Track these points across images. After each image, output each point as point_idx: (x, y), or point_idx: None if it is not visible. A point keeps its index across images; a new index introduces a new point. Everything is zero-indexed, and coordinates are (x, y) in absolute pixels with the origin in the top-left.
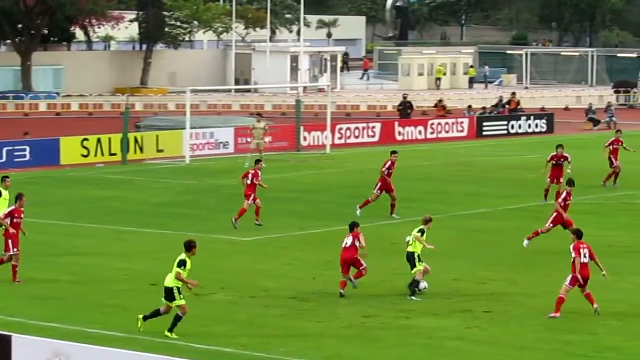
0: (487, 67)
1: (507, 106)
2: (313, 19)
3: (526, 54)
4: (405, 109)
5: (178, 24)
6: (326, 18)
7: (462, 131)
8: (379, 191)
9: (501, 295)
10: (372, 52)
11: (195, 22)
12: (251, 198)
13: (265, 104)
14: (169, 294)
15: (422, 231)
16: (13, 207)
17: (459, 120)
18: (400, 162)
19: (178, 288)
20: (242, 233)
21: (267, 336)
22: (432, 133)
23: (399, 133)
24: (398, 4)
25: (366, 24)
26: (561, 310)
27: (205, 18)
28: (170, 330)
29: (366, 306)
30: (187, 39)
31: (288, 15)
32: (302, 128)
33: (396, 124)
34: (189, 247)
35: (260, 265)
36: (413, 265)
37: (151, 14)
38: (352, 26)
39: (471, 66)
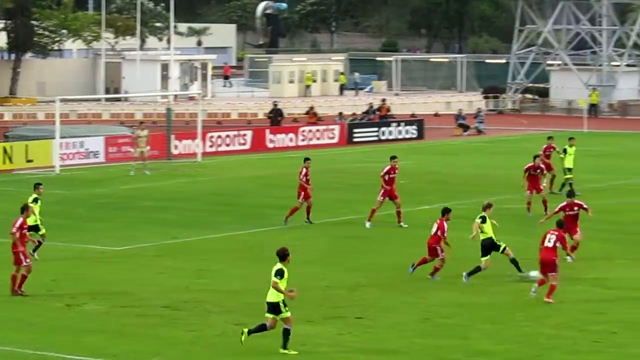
0: (357, 74)
1: (377, 113)
2: (183, 27)
3: (396, 61)
4: (275, 117)
5: (47, 33)
6: (196, 26)
7: (333, 138)
8: (382, 198)
9: (373, 302)
10: (243, 59)
11: (64, 31)
12: (302, 196)
13: (136, 113)
14: (275, 308)
15: (483, 218)
16: (21, 219)
17: (330, 127)
18: (271, 169)
19: (283, 301)
20: (113, 242)
21: (139, 346)
22: (303, 140)
23: (270, 141)
24: (268, 11)
25: (237, 32)
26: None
27: (74, 27)
28: (285, 347)
29: (239, 314)
30: (56, 48)
31: (158, 24)
32: (173, 136)
33: (267, 131)
34: (284, 255)
35: (132, 274)
36: (486, 253)
37: (19, 23)
38: (223, 34)
39: (342, 73)
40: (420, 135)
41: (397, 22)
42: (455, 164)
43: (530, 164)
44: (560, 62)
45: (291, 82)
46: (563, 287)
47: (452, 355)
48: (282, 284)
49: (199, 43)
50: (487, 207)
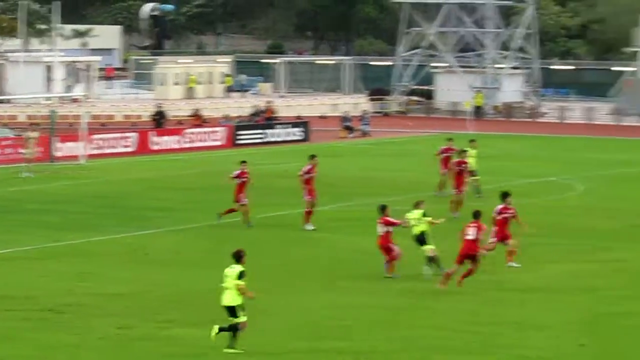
0: (243, 76)
1: (262, 115)
2: (68, 28)
3: (282, 63)
4: (159, 119)
5: None
6: (81, 27)
7: (218, 140)
8: (309, 197)
9: (258, 304)
10: (128, 61)
11: None
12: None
13: (19, 115)
14: (232, 311)
15: (424, 214)
16: None
17: (215, 129)
18: (156, 172)
19: (241, 305)
20: None
21: (24, 349)
22: (188, 142)
23: (155, 143)
24: (154, 13)
25: (122, 34)
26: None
27: None
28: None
29: (122, 317)
30: None
31: (42, 26)
32: (56, 138)
33: (152, 133)
34: (240, 257)
35: (15, 278)
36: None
37: None
38: (108, 36)
39: (228, 75)
40: (305, 138)
41: (284, 25)
42: (341, 166)
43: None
44: (445, 65)
45: (176, 84)
46: (450, 288)
47: (336, 356)
48: (244, 286)
49: (84, 45)
50: (419, 203)
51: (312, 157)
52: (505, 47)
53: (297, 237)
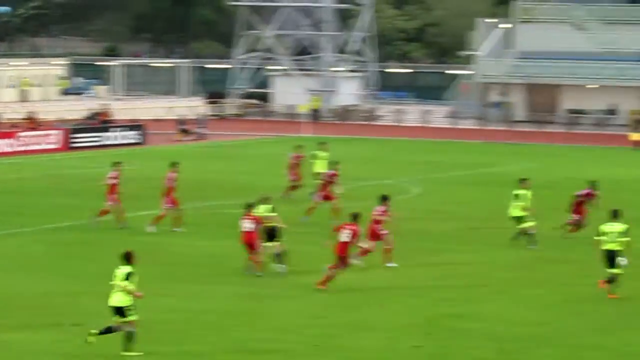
0: (79, 79)
1: (98, 118)
2: None
3: (117, 66)
4: None
5: None
6: None
7: (53, 143)
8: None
9: (91, 309)
10: None
11: None
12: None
13: None
14: (121, 311)
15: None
16: None
17: (50, 132)
18: None
19: (131, 304)
20: None
21: None
22: (22, 145)
23: None
24: None
25: None
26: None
27: None
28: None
29: None
30: None
31: None
32: None
33: None
34: (130, 257)
35: None
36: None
37: None
38: None
39: (63, 78)
40: (142, 141)
41: (120, 27)
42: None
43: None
44: (282, 68)
45: (10, 86)
46: (283, 291)
47: None
48: (132, 286)
49: None
50: (266, 199)
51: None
52: (342, 50)
53: (135, 241)
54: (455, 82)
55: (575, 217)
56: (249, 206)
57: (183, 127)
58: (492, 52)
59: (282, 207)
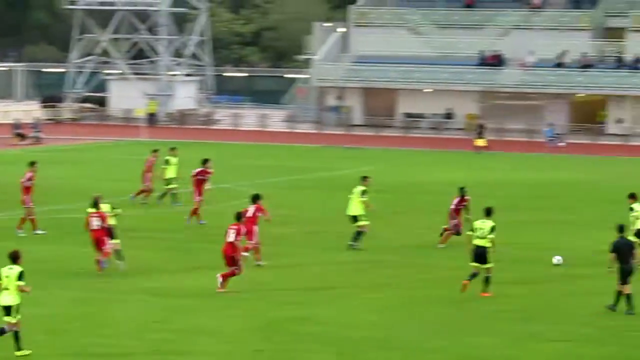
0: None
1: None
2: None
3: None
4: None
5: None
6: None
7: None
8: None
9: None
10: None
11: None
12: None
13: None
14: (9, 310)
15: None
16: None
17: None
18: None
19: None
20: None
21: None
22: None
23: None
24: None
25: None
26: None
27: None
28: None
29: None
30: None
31: None
32: None
33: None
34: (17, 257)
35: None
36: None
37: None
38: None
39: None
40: None
41: None
42: (14, 173)
43: (199, 169)
44: (118, 72)
45: None
46: (123, 295)
47: None
48: (24, 285)
49: None
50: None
51: (32, 163)
52: (178, 54)
53: None
54: (292, 86)
55: (452, 222)
56: (95, 204)
57: (19, 131)
58: (329, 56)
59: (132, 211)
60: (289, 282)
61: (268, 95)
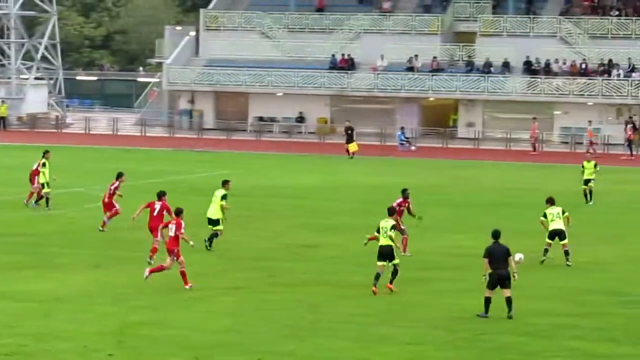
0: None
1: None
2: None
3: None
4: None
5: None
6: None
7: None
8: None
9: None
10: None
11: None
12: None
13: None
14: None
15: None
16: None
17: None
18: None
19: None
20: None
21: None
22: None
23: None
24: None
25: None
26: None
27: None
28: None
29: None
30: None
31: None
32: None
33: None
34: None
35: None
36: None
37: None
38: None
39: None
40: None
41: None
42: None
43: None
44: None
45: None
46: None
47: None
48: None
49: None
50: None
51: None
52: (29, 57)
53: None
54: (144, 90)
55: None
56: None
57: None
58: (180, 60)
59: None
60: (143, 286)
61: (120, 98)
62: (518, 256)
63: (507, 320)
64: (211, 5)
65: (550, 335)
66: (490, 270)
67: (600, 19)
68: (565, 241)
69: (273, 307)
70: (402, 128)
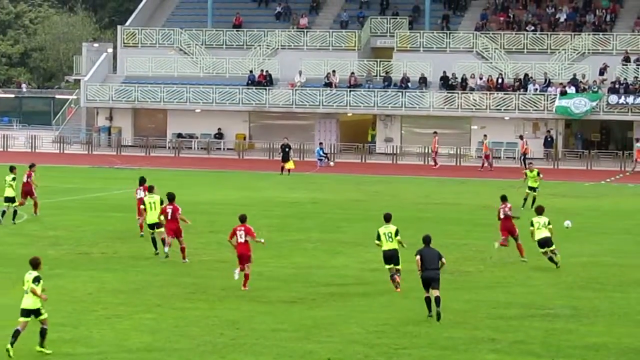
0: None
1: None
2: None
3: None
4: None
5: None
6: None
7: None
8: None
9: None
10: None
11: None
12: None
13: None
14: (35, 312)
15: None
16: None
17: None
18: None
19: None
20: None
21: None
22: None
23: None
24: None
25: None
26: None
27: None
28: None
29: None
30: None
31: None
32: None
33: None
34: (37, 264)
35: None
36: None
37: None
38: None
39: None
40: None
41: None
42: None
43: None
44: None
45: None
46: None
47: None
48: (39, 289)
49: None
50: None
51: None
52: None
53: None
54: (62, 107)
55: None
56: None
57: None
58: (98, 77)
59: None
60: (59, 304)
61: (37, 116)
62: (567, 223)
63: (426, 335)
64: (128, 22)
65: (469, 349)
66: (421, 272)
67: (516, 33)
68: (553, 247)
69: (192, 323)
70: (321, 144)
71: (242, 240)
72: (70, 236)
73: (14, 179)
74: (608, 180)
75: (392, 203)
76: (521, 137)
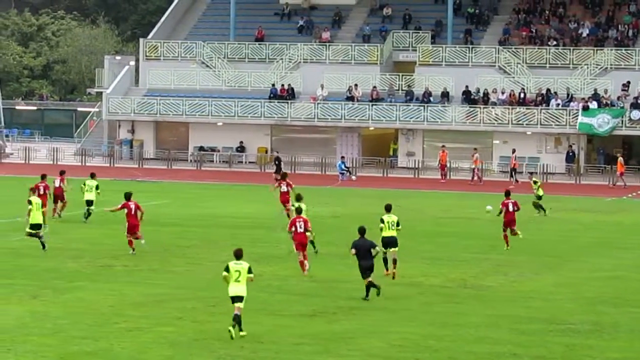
0: None
1: None
2: None
3: None
4: None
5: None
6: None
7: None
8: None
9: None
10: None
11: None
12: None
13: None
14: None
15: None
16: None
17: None
18: None
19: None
20: None
21: None
22: None
23: None
24: None
25: None
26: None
27: None
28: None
29: None
30: None
31: None
32: None
33: None
34: (241, 254)
35: None
36: None
37: None
38: None
39: None
40: None
41: None
42: None
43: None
44: None
45: None
46: None
47: None
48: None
49: None
50: None
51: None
52: None
53: None
54: (84, 119)
55: None
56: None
57: None
58: (120, 90)
59: None
60: (80, 316)
61: (59, 128)
62: (488, 207)
63: (447, 349)
64: (151, 35)
65: None
66: (358, 261)
67: (538, 48)
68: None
69: (213, 337)
70: (343, 157)
71: (301, 230)
72: (91, 249)
73: (97, 186)
74: (630, 195)
75: (413, 217)
76: (513, 151)
